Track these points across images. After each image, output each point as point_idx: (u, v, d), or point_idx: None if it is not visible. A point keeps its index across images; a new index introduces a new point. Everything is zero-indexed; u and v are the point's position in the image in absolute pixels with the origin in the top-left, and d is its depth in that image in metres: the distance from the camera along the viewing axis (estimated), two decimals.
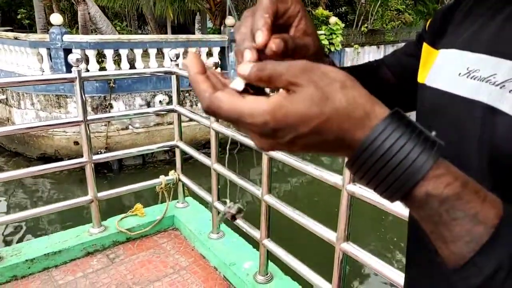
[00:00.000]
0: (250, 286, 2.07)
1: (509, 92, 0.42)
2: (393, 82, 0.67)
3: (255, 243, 2.24)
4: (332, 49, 11.09)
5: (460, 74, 0.48)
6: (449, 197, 0.33)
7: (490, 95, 0.43)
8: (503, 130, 0.41)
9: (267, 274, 2.09)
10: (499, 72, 0.43)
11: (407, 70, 0.64)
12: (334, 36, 11.03)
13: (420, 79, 0.57)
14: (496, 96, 0.43)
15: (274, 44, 0.40)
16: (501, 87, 0.43)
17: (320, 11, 11.12)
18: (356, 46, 12.46)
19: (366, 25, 13.04)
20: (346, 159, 0.37)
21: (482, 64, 0.46)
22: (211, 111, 0.35)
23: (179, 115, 2.69)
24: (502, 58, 0.43)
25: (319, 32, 10.85)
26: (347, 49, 11.96)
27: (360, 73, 0.69)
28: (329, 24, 10.98)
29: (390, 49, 14.11)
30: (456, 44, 0.51)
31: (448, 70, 0.50)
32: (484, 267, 0.32)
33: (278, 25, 0.44)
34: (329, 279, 1.67)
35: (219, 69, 2.31)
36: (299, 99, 0.33)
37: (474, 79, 0.46)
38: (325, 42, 10.91)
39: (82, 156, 2.41)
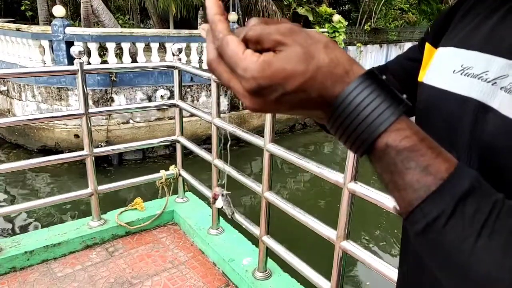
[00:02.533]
0: (248, 282, 2.07)
1: (500, 89, 0.42)
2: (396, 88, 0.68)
3: (254, 240, 2.24)
4: None
5: (454, 71, 0.48)
6: (405, 148, 0.36)
7: (482, 92, 0.44)
8: (493, 127, 0.42)
9: (265, 271, 2.09)
10: (491, 69, 0.43)
11: (409, 75, 0.63)
12: (337, 34, 10.99)
13: (420, 78, 0.57)
14: (487, 93, 0.43)
15: None
16: (492, 84, 0.43)
17: (324, 8, 11.08)
18: (359, 44, 12.42)
19: (369, 23, 12.99)
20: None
21: (476, 61, 0.46)
22: (219, 48, 0.37)
23: (181, 110, 2.68)
24: (494, 55, 0.44)
25: (322, 30, 10.83)
26: (349, 47, 11.92)
27: None
28: (332, 22, 10.94)
29: (393, 48, 14.06)
30: (453, 42, 0.51)
31: (444, 67, 0.51)
32: (428, 213, 0.35)
33: None
34: (328, 276, 1.67)
35: None
36: (287, 57, 0.35)
37: (468, 76, 0.46)
38: None
39: (82, 149, 2.41)
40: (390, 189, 0.38)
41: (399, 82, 0.67)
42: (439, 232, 0.35)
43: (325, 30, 10.87)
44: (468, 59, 0.47)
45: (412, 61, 0.65)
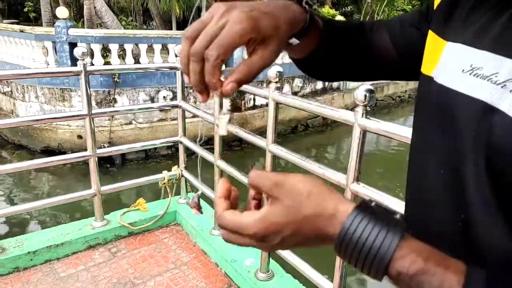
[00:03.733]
0: (251, 283, 2.07)
1: (510, 92, 0.41)
2: (389, 49, 0.65)
3: None
4: None
5: (463, 70, 0.47)
6: (416, 273, 0.39)
7: (490, 94, 0.43)
8: (500, 129, 0.41)
9: (268, 272, 2.09)
10: (501, 71, 0.42)
11: (410, 42, 0.62)
12: None
13: (426, 70, 0.55)
14: (496, 95, 0.42)
15: (229, 89, 0.49)
16: (502, 86, 0.42)
17: (326, 9, 11.09)
18: None
19: None
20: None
21: (486, 61, 0.45)
22: (220, 225, 0.47)
23: (183, 111, 2.69)
24: (505, 57, 0.43)
25: None
26: None
27: (355, 35, 0.68)
28: None
29: None
30: (463, 39, 0.49)
31: (454, 66, 0.49)
32: None
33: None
34: (330, 278, 1.67)
35: (224, 66, 2.32)
36: (277, 211, 0.44)
37: (477, 76, 0.45)
38: None
39: (85, 149, 2.42)
40: None
41: (396, 46, 0.65)
42: None
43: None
44: (477, 59, 0.46)
45: (415, 29, 0.63)
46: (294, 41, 0.58)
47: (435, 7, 0.58)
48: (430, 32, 0.56)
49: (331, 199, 0.43)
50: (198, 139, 2.24)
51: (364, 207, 0.42)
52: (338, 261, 1.59)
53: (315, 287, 1.79)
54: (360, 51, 0.68)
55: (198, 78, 0.47)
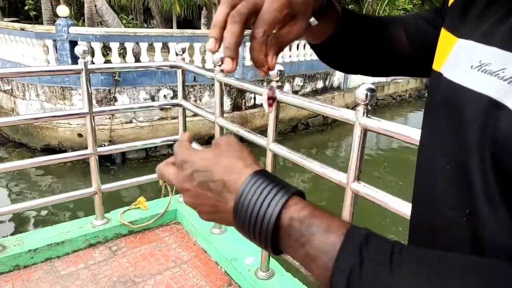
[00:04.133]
0: (251, 282, 2.07)
1: None
2: (404, 45, 0.66)
3: None
4: None
5: (472, 66, 0.47)
6: (305, 216, 0.40)
7: (497, 90, 0.43)
8: (506, 125, 0.41)
9: (268, 270, 2.09)
10: (509, 67, 0.42)
11: (424, 38, 0.62)
12: None
13: (436, 66, 0.55)
14: (503, 91, 0.42)
15: (229, 65, 0.50)
16: (509, 82, 0.42)
17: None
18: None
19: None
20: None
21: (494, 57, 0.44)
22: (176, 147, 0.52)
23: (184, 109, 2.69)
24: None
25: None
26: None
27: (370, 26, 0.69)
28: None
29: None
30: (473, 35, 0.49)
31: (463, 62, 0.49)
32: (344, 268, 0.37)
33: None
34: None
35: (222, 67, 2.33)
36: (208, 150, 0.49)
37: (485, 72, 0.45)
38: None
39: (86, 148, 2.42)
40: (307, 265, 0.40)
41: (410, 40, 0.66)
42: (358, 281, 0.36)
43: None
44: (486, 55, 0.46)
45: (429, 25, 0.63)
46: (314, 21, 0.59)
47: (449, 3, 0.58)
48: (442, 29, 0.56)
49: (245, 159, 0.46)
50: None
51: (261, 173, 0.44)
52: None
53: (315, 286, 1.79)
54: (374, 43, 0.69)
55: (235, 40, 0.48)
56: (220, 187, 0.45)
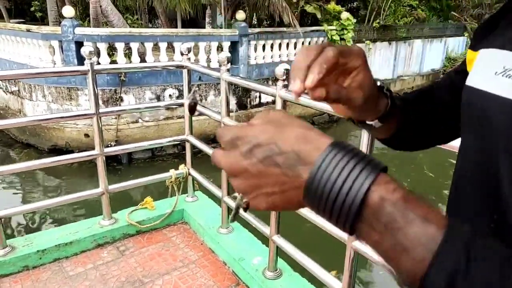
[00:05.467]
0: (259, 282, 2.07)
1: None
2: (449, 103, 0.67)
3: (264, 239, 2.24)
4: (343, 44, 10.98)
5: (496, 72, 0.47)
6: (399, 199, 0.34)
7: None
8: None
9: (276, 270, 2.09)
10: None
11: (458, 88, 0.62)
12: (345, 31, 10.92)
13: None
14: None
15: (318, 93, 0.47)
16: None
17: (332, 6, 11.01)
18: (368, 42, 12.32)
19: (378, 20, 12.89)
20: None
21: None
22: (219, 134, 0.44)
23: None
24: None
25: (330, 27, 10.75)
26: (358, 45, 11.83)
27: (418, 100, 0.70)
28: (341, 20, 10.87)
29: (402, 46, 13.91)
30: (495, 43, 0.50)
31: (486, 68, 0.50)
32: (447, 265, 0.32)
33: (340, 70, 0.50)
34: (339, 276, 1.66)
35: (229, 65, 2.32)
36: (263, 121, 0.42)
37: (509, 77, 0.45)
38: (336, 37, 10.80)
39: (92, 148, 2.42)
40: (394, 254, 0.35)
41: (452, 99, 0.66)
42: (463, 283, 0.32)
43: (334, 27, 10.79)
44: (510, 60, 0.46)
45: (460, 74, 0.64)
46: (377, 123, 0.61)
47: (472, 37, 0.61)
48: (468, 51, 0.59)
49: (314, 129, 0.40)
50: None
51: (341, 143, 0.38)
52: (347, 259, 1.58)
53: (323, 285, 1.78)
54: (437, 117, 0.69)
55: (316, 78, 0.46)
56: (292, 160, 0.38)
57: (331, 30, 10.78)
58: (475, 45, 0.56)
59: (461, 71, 0.63)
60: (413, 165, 8.67)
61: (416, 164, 8.73)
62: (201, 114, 2.54)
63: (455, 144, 1.22)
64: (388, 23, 13.12)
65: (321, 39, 10.74)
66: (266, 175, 0.39)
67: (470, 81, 0.52)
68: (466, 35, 16.65)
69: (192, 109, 0.57)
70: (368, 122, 0.61)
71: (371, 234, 0.35)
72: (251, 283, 2.13)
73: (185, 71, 2.59)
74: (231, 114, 2.26)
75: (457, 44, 17.13)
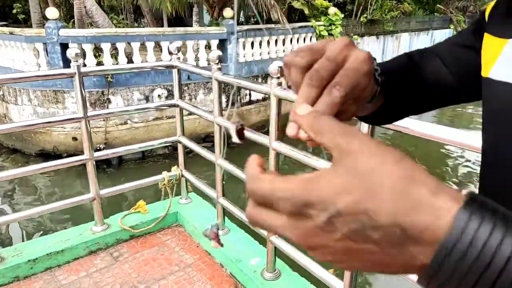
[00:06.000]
0: (257, 283, 2.03)
1: None
2: (447, 76, 0.60)
3: (261, 239, 2.20)
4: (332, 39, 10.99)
5: None
6: None
7: None
8: None
9: (275, 271, 2.05)
10: None
11: (465, 64, 0.57)
12: (333, 27, 10.92)
13: (484, 72, 0.50)
14: None
15: (291, 131, 0.38)
16: None
17: (320, 1, 11.00)
18: (356, 36, 12.35)
19: (365, 15, 12.93)
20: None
21: None
22: (253, 188, 0.31)
23: (181, 109, 2.63)
24: None
25: (318, 23, 10.74)
26: None
27: (409, 63, 0.62)
28: (328, 15, 10.87)
29: (389, 39, 13.99)
30: None
31: None
32: None
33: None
34: (340, 276, 1.63)
35: (219, 63, 2.28)
36: (338, 169, 0.28)
37: None
38: (325, 33, 10.80)
39: (81, 151, 2.36)
40: None
41: (452, 71, 0.60)
42: None
43: (321, 23, 10.78)
44: None
45: (466, 49, 0.57)
46: (368, 107, 0.54)
47: (487, 14, 0.53)
48: (486, 35, 0.51)
49: (425, 177, 0.27)
50: None
51: (480, 198, 0.27)
52: None
53: (324, 286, 1.75)
54: (417, 89, 0.62)
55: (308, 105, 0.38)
56: (396, 237, 0.26)
57: (319, 25, 10.76)
58: (499, 30, 0.48)
59: (469, 46, 0.57)
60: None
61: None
62: (191, 113, 2.49)
63: (444, 136, 1.20)
64: (375, 17, 13.17)
65: (309, 35, 10.72)
66: (357, 252, 0.28)
67: (500, 75, 0.46)
68: (452, 27, 16.80)
69: (241, 133, 0.45)
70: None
71: None
72: (249, 285, 2.09)
73: (175, 71, 2.54)
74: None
75: (443, 37, 17.27)
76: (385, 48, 13.98)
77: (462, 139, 1.13)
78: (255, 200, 0.31)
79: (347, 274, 1.57)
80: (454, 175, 8.26)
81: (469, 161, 8.67)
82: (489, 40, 0.50)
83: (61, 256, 2.31)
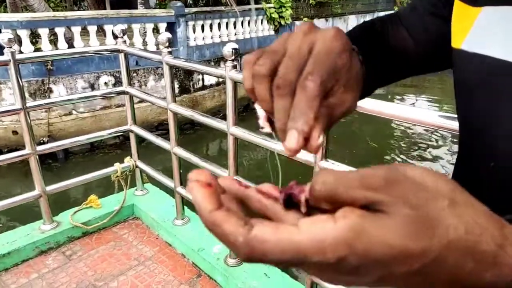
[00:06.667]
0: (221, 270, 2.01)
1: None
2: (410, 45, 0.57)
3: None
4: (283, 22, 10.99)
5: None
6: None
7: None
8: None
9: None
10: None
11: (431, 33, 0.54)
12: (283, 9, 10.91)
13: (456, 43, 0.47)
14: None
15: (318, 142, 0.31)
16: None
17: None
18: (306, 19, 12.44)
19: None
20: None
21: None
22: (256, 258, 0.24)
23: (131, 97, 2.50)
24: None
25: (268, 5, 10.68)
26: (296, 22, 11.92)
27: (370, 37, 0.57)
28: None
29: (338, 21, 14.24)
30: None
31: (498, 31, 0.41)
32: None
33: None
34: None
35: (169, 48, 2.16)
36: (389, 224, 0.22)
37: None
38: (275, 15, 10.77)
39: (23, 146, 2.18)
40: None
41: (417, 41, 0.56)
42: None
43: (272, 5, 10.73)
44: None
45: (433, 17, 0.54)
46: None
47: None
48: (457, 2, 0.48)
49: (488, 215, 0.24)
50: None
51: None
52: None
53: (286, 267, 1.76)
54: (384, 60, 0.57)
55: (285, 116, 0.32)
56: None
57: (269, 8, 10.70)
58: None
59: (437, 15, 0.54)
60: (357, 137, 9.03)
61: (360, 136, 9.10)
62: (142, 100, 2.37)
63: (394, 112, 1.23)
64: (323, 0, 13.33)
65: (260, 17, 10.64)
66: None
67: (473, 47, 0.44)
68: (396, 8, 17.42)
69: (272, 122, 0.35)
70: None
71: None
72: (213, 273, 2.07)
73: (121, 56, 2.39)
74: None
75: None
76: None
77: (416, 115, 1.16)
78: (250, 261, 0.25)
79: None
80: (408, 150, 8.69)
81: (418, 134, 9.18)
82: (460, 8, 0.47)
83: (8, 259, 2.15)
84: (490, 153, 0.43)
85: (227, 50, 1.64)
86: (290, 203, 0.26)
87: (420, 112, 1.19)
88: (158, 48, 7.10)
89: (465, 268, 0.23)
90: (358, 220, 0.22)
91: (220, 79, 9.04)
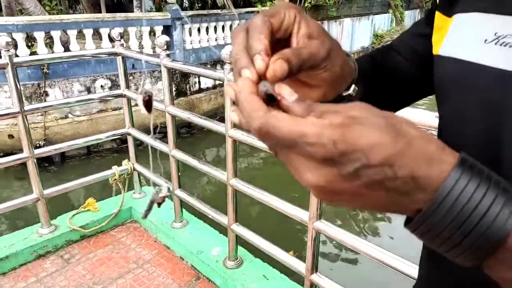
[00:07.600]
0: (220, 272, 2.02)
1: None
2: (406, 68, 0.60)
3: (221, 229, 2.18)
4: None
5: (486, 40, 0.41)
6: None
7: None
8: None
9: (237, 259, 2.05)
10: None
11: (419, 52, 0.57)
12: None
13: (435, 50, 0.50)
14: None
15: (278, 67, 0.35)
16: None
17: None
18: None
19: (309, 0, 13.10)
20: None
21: None
22: (264, 131, 0.31)
23: (129, 99, 2.50)
24: None
25: (264, 8, 10.71)
26: None
27: (372, 64, 0.60)
28: (274, 0, 10.87)
29: (333, 25, 14.32)
30: (478, 7, 0.44)
31: (469, 36, 0.44)
32: None
33: (278, 39, 0.41)
34: (302, 258, 1.66)
35: (167, 51, 2.19)
36: (369, 125, 0.30)
37: (504, 45, 0.40)
38: None
39: (19, 149, 2.17)
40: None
41: (409, 61, 0.60)
42: None
43: (267, 8, 10.77)
44: (503, 26, 0.40)
45: (420, 37, 0.57)
46: (354, 89, 0.51)
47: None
48: (437, 13, 0.52)
49: (433, 136, 0.32)
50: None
51: (468, 163, 0.31)
52: (310, 239, 1.58)
53: (286, 268, 1.77)
54: (386, 88, 0.61)
55: (264, 46, 0.37)
56: (407, 186, 0.30)
57: None
58: (447, 9, 0.50)
59: (424, 35, 0.56)
60: None
61: None
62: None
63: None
64: (319, 3, 13.38)
65: None
66: (368, 197, 0.31)
67: (449, 52, 0.47)
68: (390, 11, 17.53)
69: (149, 104, 0.46)
70: (344, 94, 0.51)
71: (503, 271, 0.32)
72: (212, 275, 2.07)
73: (119, 59, 2.40)
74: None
75: (383, 22, 17.99)
76: (330, 33, 14.30)
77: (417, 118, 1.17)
78: (269, 141, 0.31)
79: (309, 254, 1.60)
80: None
81: None
82: (438, 19, 0.51)
83: (6, 263, 2.14)
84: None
85: (225, 52, 1.65)
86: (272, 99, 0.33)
87: (420, 112, 1.20)
88: (154, 51, 7.10)
89: (419, 160, 0.30)
90: (346, 120, 0.30)
91: (217, 82, 9.04)
